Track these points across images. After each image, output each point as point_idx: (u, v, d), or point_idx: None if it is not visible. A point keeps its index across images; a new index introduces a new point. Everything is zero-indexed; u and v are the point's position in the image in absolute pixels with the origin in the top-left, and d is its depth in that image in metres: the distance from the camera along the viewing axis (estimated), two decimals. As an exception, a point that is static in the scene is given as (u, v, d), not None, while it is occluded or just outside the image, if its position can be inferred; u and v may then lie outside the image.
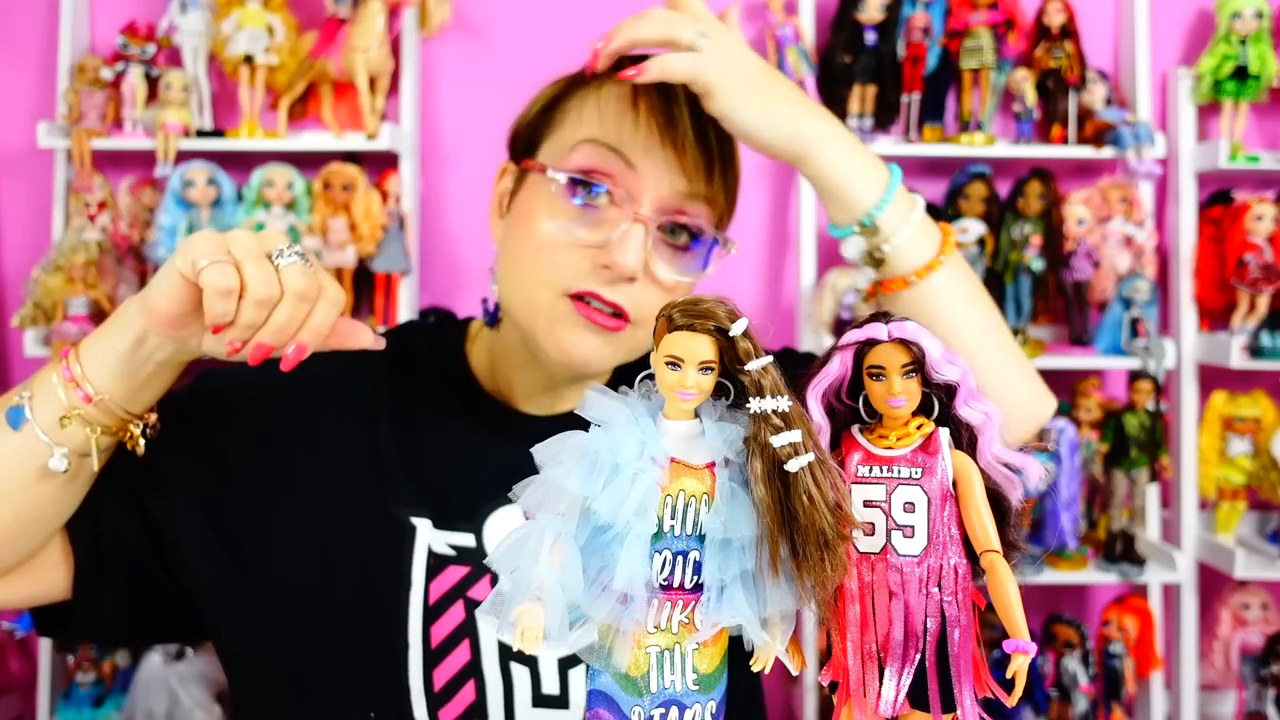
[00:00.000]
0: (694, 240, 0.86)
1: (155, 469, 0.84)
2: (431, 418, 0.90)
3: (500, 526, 0.86)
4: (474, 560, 0.85)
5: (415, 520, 0.86)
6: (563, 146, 0.84)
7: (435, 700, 0.82)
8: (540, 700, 0.83)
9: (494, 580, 0.84)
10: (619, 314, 0.82)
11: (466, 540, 0.85)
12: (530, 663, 0.84)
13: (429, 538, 0.85)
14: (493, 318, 0.93)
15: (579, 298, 0.82)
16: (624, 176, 0.81)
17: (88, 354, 0.74)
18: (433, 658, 0.83)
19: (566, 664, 0.84)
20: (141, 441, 0.78)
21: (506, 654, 0.84)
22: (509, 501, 0.85)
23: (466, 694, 0.82)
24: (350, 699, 0.83)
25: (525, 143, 0.89)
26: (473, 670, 0.83)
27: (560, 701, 0.84)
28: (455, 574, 0.85)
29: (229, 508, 0.85)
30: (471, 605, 0.84)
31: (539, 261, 0.82)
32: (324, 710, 0.84)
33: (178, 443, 0.84)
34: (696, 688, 0.50)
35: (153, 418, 0.79)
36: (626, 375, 0.53)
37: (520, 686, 0.83)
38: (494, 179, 0.93)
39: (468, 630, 0.84)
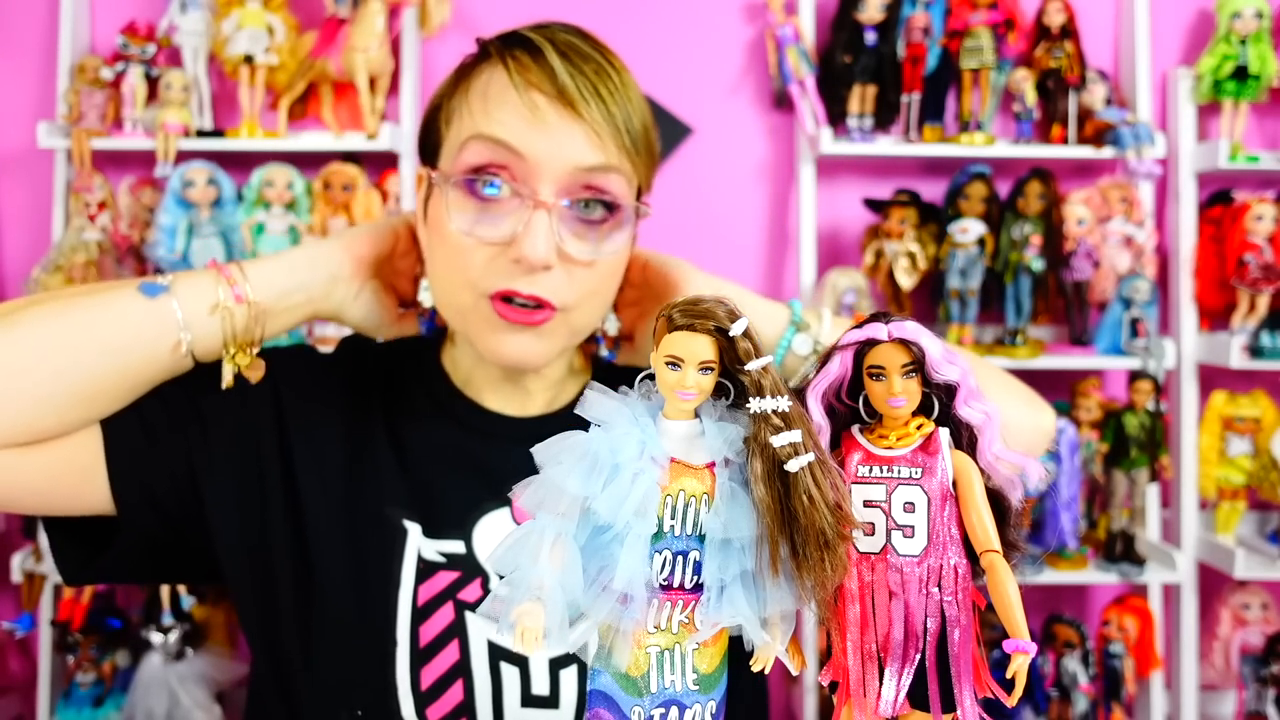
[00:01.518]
0: (610, 213, 0.83)
1: (204, 416, 0.85)
2: (417, 426, 0.91)
3: (489, 532, 0.86)
4: (464, 566, 0.85)
5: (407, 523, 0.86)
6: (453, 148, 0.82)
7: (423, 699, 0.82)
8: (530, 700, 0.83)
9: (484, 583, 0.84)
10: (541, 305, 0.81)
11: (456, 547, 0.86)
12: (520, 663, 0.84)
13: (419, 543, 0.86)
14: (429, 327, 0.96)
15: (498, 298, 0.81)
16: (517, 165, 0.79)
17: (250, 265, 0.84)
18: (420, 657, 0.83)
19: (557, 664, 0.84)
20: (261, 367, 0.85)
21: (496, 654, 0.84)
22: (496, 506, 0.86)
23: (454, 693, 0.83)
24: (339, 694, 0.83)
25: (428, 148, 0.89)
26: (461, 670, 0.83)
27: (550, 701, 0.84)
28: (445, 578, 0.85)
29: (253, 483, 0.86)
30: (461, 607, 0.84)
31: (454, 266, 0.82)
32: (315, 703, 0.84)
33: (227, 402, 0.86)
34: (696, 688, 0.50)
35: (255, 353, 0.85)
36: (627, 377, 0.53)
37: (509, 686, 0.83)
38: (415, 187, 0.92)
39: (457, 631, 0.84)
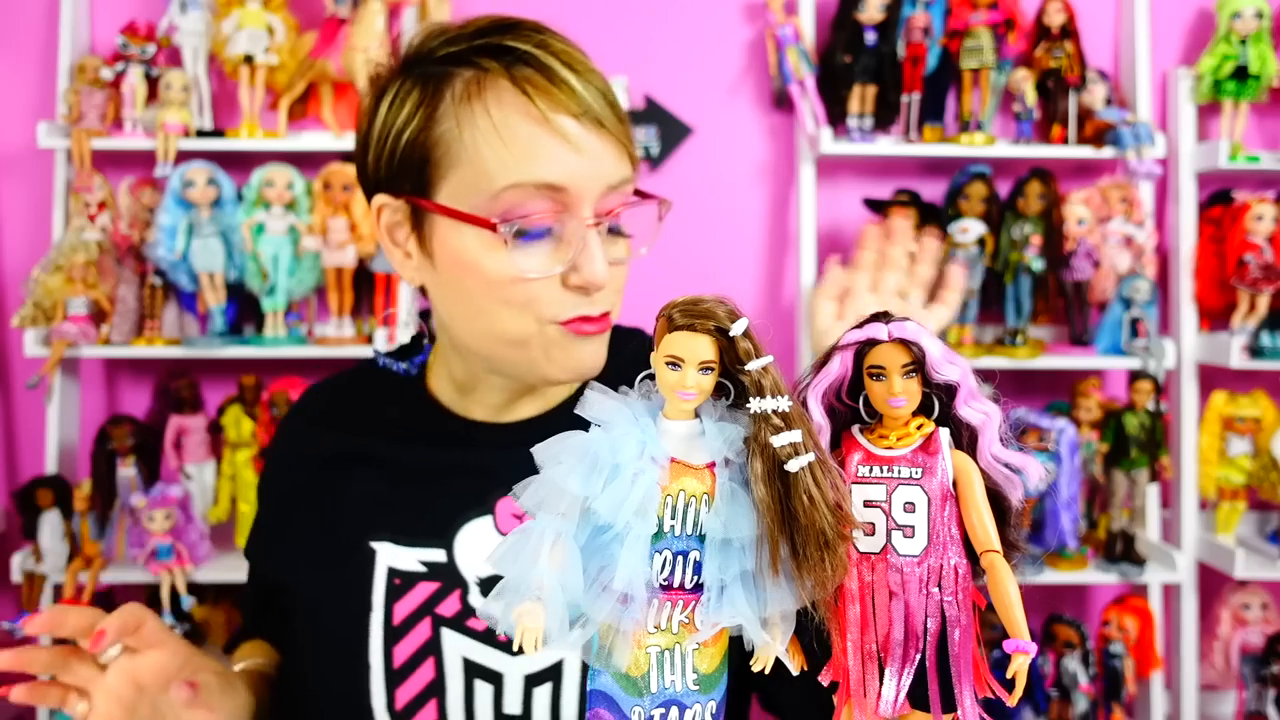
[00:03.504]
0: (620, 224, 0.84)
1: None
2: (396, 444, 0.89)
3: (471, 540, 0.85)
4: (444, 576, 0.84)
5: (375, 545, 0.86)
6: (478, 190, 0.76)
7: (397, 718, 0.82)
8: (502, 718, 0.83)
9: (463, 595, 0.84)
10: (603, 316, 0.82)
11: (437, 555, 0.85)
12: (494, 680, 0.83)
13: (391, 559, 0.85)
14: (424, 358, 0.94)
15: (573, 323, 0.79)
16: (559, 198, 0.77)
17: None
18: (395, 678, 0.83)
19: (532, 681, 0.83)
20: None
21: (471, 671, 0.83)
22: (479, 514, 0.85)
23: (428, 713, 0.82)
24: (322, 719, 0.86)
25: (406, 177, 0.80)
26: (436, 689, 0.83)
27: (522, 719, 0.83)
28: (423, 591, 0.84)
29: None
30: (438, 622, 0.83)
31: (511, 301, 0.78)
32: None
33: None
34: (696, 688, 0.50)
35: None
36: (626, 375, 0.53)
37: (482, 704, 0.82)
38: (371, 214, 0.85)
39: (432, 649, 0.83)
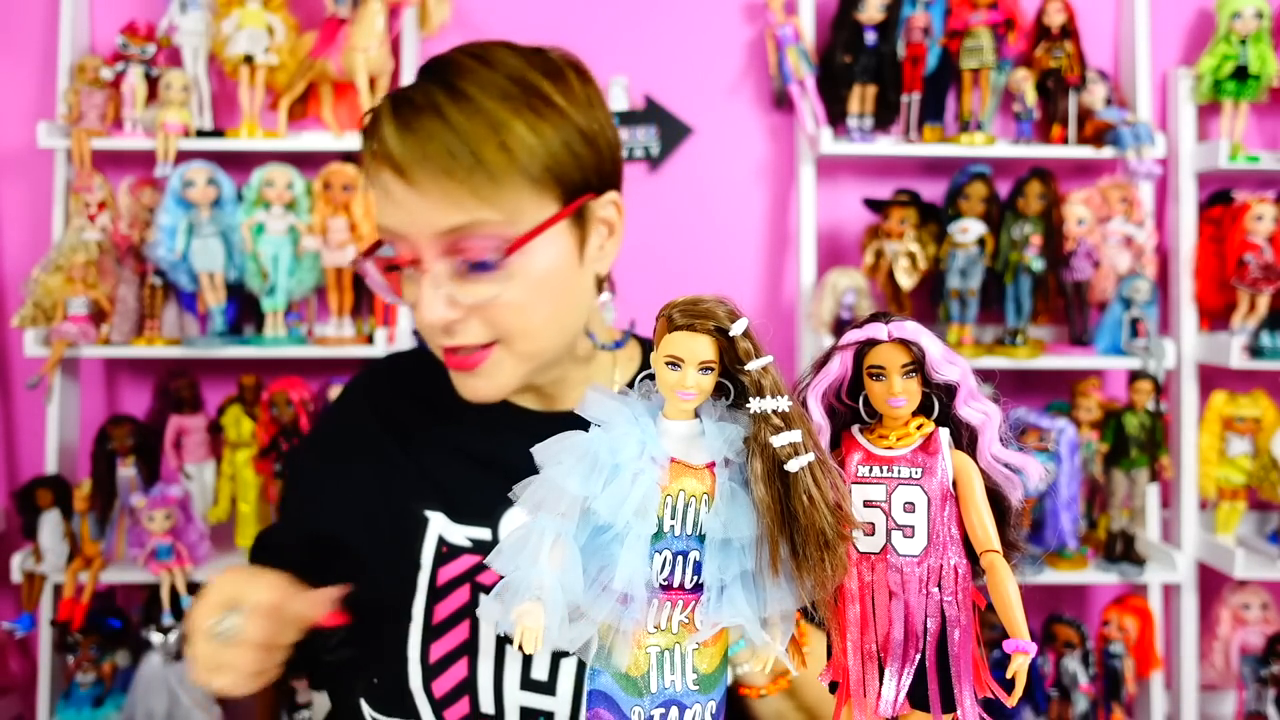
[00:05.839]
0: (499, 259, 0.82)
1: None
2: (448, 426, 0.95)
3: (515, 522, 0.90)
4: (487, 551, 0.90)
5: (429, 513, 0.92)
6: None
7: (430, 671, 0.87)
8: (528, 684, 0.87)
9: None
10: (480, 347, 0.85)
11: (482, 534, 0.90)
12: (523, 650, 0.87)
13: (442, 529, 0.91)
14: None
15: (444, 353, 0.87)
16: (400, 243, 0.83)
17: None
18: (432, 633, 0.88)
19: (558, 653, 0.88)
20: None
21: (503, 639, 0.87)
22: None
23: (459, 669, 0.87)
24: (361, 662, 0.91)
25: None
26: (468, 648, 0.87)
27: (547, 688, 0.87)
28: (466, 561, 0.90)
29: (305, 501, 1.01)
30: (478, 589, 0.89)
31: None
32: (339, 671, 0.92)
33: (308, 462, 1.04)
34: (696, 688, 0.50)
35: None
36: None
37: (511, 669, 0.87)
38: None
39: (468, 612, 0.88)
